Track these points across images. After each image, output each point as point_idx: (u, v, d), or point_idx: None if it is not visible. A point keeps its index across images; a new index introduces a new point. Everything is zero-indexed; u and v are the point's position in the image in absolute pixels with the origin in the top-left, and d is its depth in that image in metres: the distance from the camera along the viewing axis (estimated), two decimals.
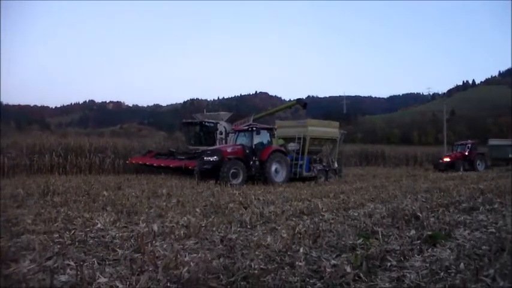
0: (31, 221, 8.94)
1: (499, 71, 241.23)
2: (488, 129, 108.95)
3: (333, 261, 6.15)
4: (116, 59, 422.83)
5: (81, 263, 5.77)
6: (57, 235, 7.62)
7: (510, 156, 42.20)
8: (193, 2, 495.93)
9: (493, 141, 43.61)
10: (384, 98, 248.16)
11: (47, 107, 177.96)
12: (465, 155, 39.62)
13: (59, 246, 6.82)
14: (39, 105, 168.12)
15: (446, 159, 39.64)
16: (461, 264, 5.99)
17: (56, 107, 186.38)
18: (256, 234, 8.09)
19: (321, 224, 9.08)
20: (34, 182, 18.78)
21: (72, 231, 7.86)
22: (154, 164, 26.83)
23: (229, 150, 21.46)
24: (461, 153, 40.09)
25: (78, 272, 5.27)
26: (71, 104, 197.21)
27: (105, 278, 5.28)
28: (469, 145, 41.09)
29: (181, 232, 7.94)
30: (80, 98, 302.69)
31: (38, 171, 26.41)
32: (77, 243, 7.08)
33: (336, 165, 28.06)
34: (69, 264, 5.78)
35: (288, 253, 6.58)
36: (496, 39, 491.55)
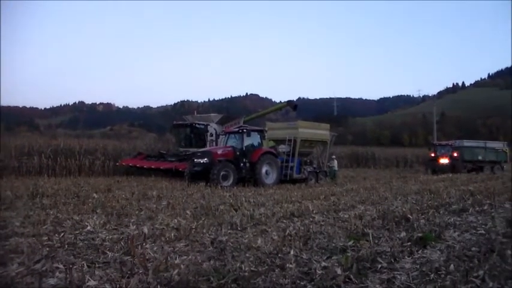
0: (19, 224, 8.90)
1: (488, 74, 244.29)
2: (478, 130, 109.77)
3: (323, 263, 6.15)
4: (106, 60, 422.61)
5: (71, 266, 5.73)
6: (46, 238, 7.57)
7: (479, 158, 41.87)
8: (183, 3, 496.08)
9: (466, 143, 42.98)
10: (374, 100, 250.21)
11: (36, 108, 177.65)
12: (453, 156, 39.46)
13: (47, 249, 6.78)
14: (28, 106, 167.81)
15: (444, 161, 39.36)
16: (451, 265, 6.02)
17: (45, 108, 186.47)
18: (246, 236, 8.08)
19: (311, 226, 9.09)
20: (23, 184, 18.66)
21: (62, 234, 7.83)
22: (145, 166, 26.73)
23: (219, 152, 21.40)
24: (448, 154, 39.92)
25: (67, 275, 5.24)
26: (61, 105, 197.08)
27: (94, 281, 5.25)
28: (452, 146, 40.99)
29: (172, 234, 7.92)
30: (70, 100, 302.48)
31: (26, 173, 26.19)
32: (66, 246, 7.04)
33: (336, 168, 28.19)
34: (58, 267, 5.75)
35: (279, 255, 6.58)
36: (485, 42, 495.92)
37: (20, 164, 26.42)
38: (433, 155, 41.30)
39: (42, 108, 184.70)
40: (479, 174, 36.35)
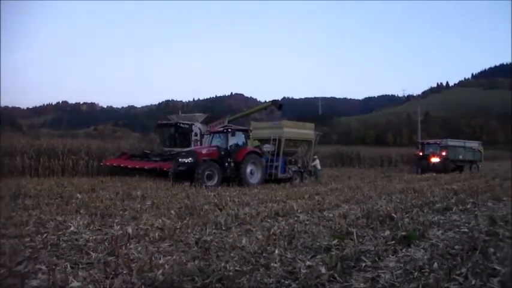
0: (1, 225, 8.78)
1: (472, 74, 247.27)
2: (462, 130, 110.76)
3: (308, 262, 6.16)
4: (90, 59, 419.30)
5: (54, 267, 5.69)
6: (29, 239, 7.50)
7: (460, 157, 41.56)
8: (167, 3, 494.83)
9: (451, 142, 42.47)
10: (359, 100, 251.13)
11: (19, 108, 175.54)
12: (442, 155, 39.04)
13: (30, 250, 6.72)
14: (11, 106, 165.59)
15: (436, 160, 38.81)
16: (435, 263, 6.07)
17: (28, 108, 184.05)
18: (231, 236, 8.07)
19: (296, 226, 9.10)
20: (5, 184, 18.48)
21: (44, 235, 7.76)
22: (129, 166, 26.57)
23: (204, 151, 21.35)
24: (437, 152, 39.39)
25: (50, 277, 5.20)
26: (44, 105, 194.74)
27: (78, 282, 5.22)
28: (440, 144, 40.36)
29: (156, 234, 7.89)
30: (53, 99, 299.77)
31: (9, 173, 25.91)
32: (49, 247, 6.98)
33: (319, 167, 28.08)
34: (40, 269, 5.69)
35: (263, 254, 6.58)
36: (469, 42, 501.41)
37: (2, 165, 26.08)
38: (421, 153, 40.76)
39: (25, 108, 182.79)
40: (462, 173, 36.62)
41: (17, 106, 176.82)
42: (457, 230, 9.04)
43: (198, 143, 27.55)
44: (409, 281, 5.53)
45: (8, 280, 5.21)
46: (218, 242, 7.55)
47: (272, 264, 6.03)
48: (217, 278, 5.36)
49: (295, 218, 10.39)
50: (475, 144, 45.10)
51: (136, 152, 29.95)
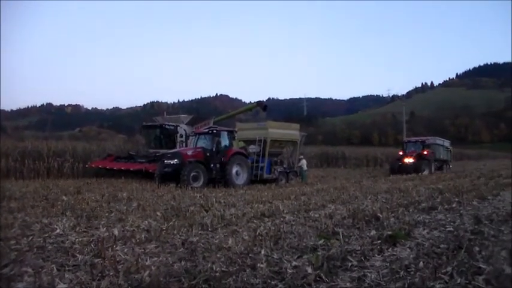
0: None
1: (457, 74, 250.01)
2: (447, 130, 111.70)
3: (294, 263, 6.17)
4: (74, 60, 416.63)
5: (40, 269, 5.67)
6: (14, 242, 7.44)
7: (440, 157, 41.04)
8: (153, 3, 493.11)
9: (438, 140, 41.89)
10: (344, 100, 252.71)
11: (3, 110, 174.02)
12: (423, 155, 37.00)
13: (16, 253, 6.67)
14: None
15: (409, 160, 36.23)
16: (421, 262, 6.13)
17: (12, 110, 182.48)
18: (217, 237, 8.07)
19: (282, 226, 9.11)
20: None
21: (30, 237, 7.71)
22: (115, 168, 26.45)
23: (189, 153, 21.33)
24: (416, 152, 37.31)
25: (36, 279, 5.19)
26: (28, 107, 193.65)
27: (64, 284, 5.20)
28: (423, 143, 38.60)
29: (142, 236, 7.87)
30: (38, 101, 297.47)
31: None
32: (35, 250, 6.94)
33: (305, 167, 27.94)
34: (26, 271, 5.64)
35: (250, 255, 6.59)
36: (453, 42, 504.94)
37: None
38: (401, 153, 38.42)
39: (9, 110, 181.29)
40: (447, 173, 36.74)
41: (1, 108, 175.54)
42: (443, 229, 9.09)
43: (184, 144, 27.48)
44: (395, 280, 5.57)
45: None
46: (204, 243, 7.55)
47: (258, 264, 6.04)
48: (204, 279, 5.36)
49: (281, 219, 10.39)
50: (447, 143, 45.22)
51: (121, 154, 29.77)
